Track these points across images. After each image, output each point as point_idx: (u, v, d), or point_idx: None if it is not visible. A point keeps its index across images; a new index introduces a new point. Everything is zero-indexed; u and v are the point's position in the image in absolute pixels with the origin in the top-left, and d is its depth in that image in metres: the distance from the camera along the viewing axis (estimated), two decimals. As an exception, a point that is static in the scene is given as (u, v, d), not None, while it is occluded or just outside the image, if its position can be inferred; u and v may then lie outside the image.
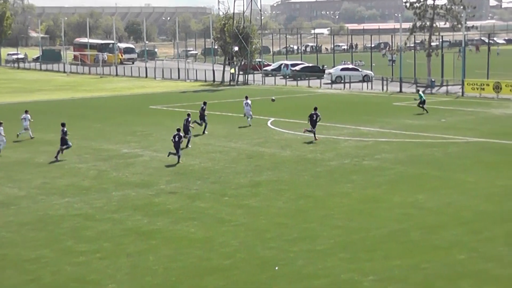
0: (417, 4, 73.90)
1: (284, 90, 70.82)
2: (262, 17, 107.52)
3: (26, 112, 41.36)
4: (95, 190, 27.65)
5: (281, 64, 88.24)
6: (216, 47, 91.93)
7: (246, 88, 75.18)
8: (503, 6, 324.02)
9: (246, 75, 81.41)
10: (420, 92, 51.07)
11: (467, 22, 72.78)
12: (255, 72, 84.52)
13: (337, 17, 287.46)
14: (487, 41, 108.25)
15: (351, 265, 18.43)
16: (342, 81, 73.87)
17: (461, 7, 73.92)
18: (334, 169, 30.59)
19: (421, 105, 48.64)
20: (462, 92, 61.64)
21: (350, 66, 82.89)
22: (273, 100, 49.55)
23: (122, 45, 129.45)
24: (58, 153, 34.30)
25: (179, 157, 32.73)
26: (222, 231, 21.73)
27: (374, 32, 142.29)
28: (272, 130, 42.58)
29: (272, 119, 46.97)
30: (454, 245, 19.73)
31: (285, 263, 18.73)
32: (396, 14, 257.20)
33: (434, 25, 74.10)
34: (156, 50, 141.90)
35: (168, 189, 27.67)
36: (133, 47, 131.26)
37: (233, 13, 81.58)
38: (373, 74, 76.68)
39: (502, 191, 26.00)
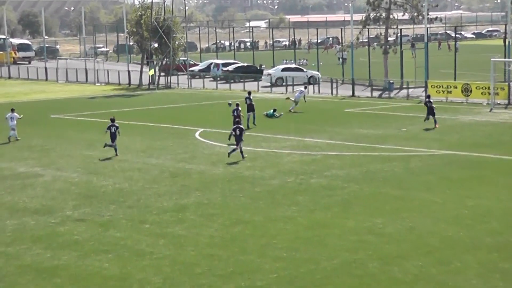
0: (371, -9, 74.65)
1: (214, 95, 70.95)
2: (187, 7, 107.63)
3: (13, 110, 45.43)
4: (-16, 219, 27.21)
5: (211, 64, 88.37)
6: (131, 43, 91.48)
7: (169, 92, 75.05)
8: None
9: (169, 77, 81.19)
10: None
11: (430, 13, 73.94)
12: (179, 73, 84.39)
13: (276, 7, 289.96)
14: (453, 35, 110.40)
15: (298, 303, 18.55)
16: (284, 84, 74.37)
17: (422, -6, 75.15)
18: (275, 189, 30.74)
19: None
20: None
21: (293, 65, 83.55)
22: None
23: (16, 41, 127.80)
24: (116, 150, 38.39)
25: (242, 152, 36.50)
26: (142, 265, 21.61)
27: (321, 25, 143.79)
28: (201, 143, 42.60)
29: (201, 129, 47.01)
30: (419, 279, 20.00)
31: (218, 303, 18.76)
32: (346, 4, 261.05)
33: (391, 16, 75.02)
34: (58, 47, 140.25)
35: (76, 215, 27.39)
36: (30, 43, 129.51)
37: (151, 2, 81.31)
38: (320, 75, 77.39)
39: (473, 212, 26.46)
